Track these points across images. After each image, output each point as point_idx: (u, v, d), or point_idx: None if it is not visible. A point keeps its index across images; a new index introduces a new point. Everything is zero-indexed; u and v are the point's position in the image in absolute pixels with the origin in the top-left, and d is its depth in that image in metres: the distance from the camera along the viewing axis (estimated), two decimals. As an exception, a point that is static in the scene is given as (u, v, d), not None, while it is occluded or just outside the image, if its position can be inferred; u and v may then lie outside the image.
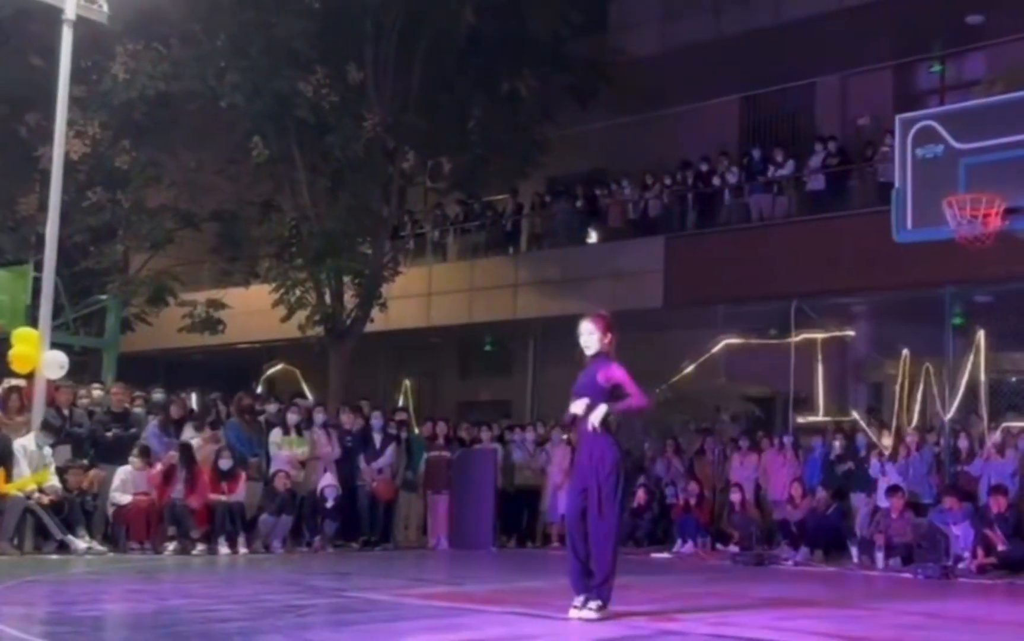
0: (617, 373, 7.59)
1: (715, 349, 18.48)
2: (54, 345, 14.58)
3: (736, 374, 18.70)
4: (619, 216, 22.41)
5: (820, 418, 17.97)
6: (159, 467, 13.58)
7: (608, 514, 7.38)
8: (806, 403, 18.26)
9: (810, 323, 18.00)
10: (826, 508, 15.46)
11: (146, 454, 13.59)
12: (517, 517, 17.52)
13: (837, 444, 16.54)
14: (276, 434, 14.92)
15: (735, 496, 16.41)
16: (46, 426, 13.14)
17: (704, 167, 21.38)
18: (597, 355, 7.70)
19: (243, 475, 14.09)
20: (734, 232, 20.19)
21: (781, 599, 9.87)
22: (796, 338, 17.76)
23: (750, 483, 16.95)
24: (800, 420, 18.03)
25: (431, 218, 24.69)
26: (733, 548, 15.86)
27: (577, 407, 7.59)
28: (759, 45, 21.54)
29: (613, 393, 7.58)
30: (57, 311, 16.00)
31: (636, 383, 7.59)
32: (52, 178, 14.66)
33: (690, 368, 18.65)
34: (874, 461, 15.78)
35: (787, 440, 17.10)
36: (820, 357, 18.06)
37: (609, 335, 7.72)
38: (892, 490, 14.95)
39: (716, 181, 21.04)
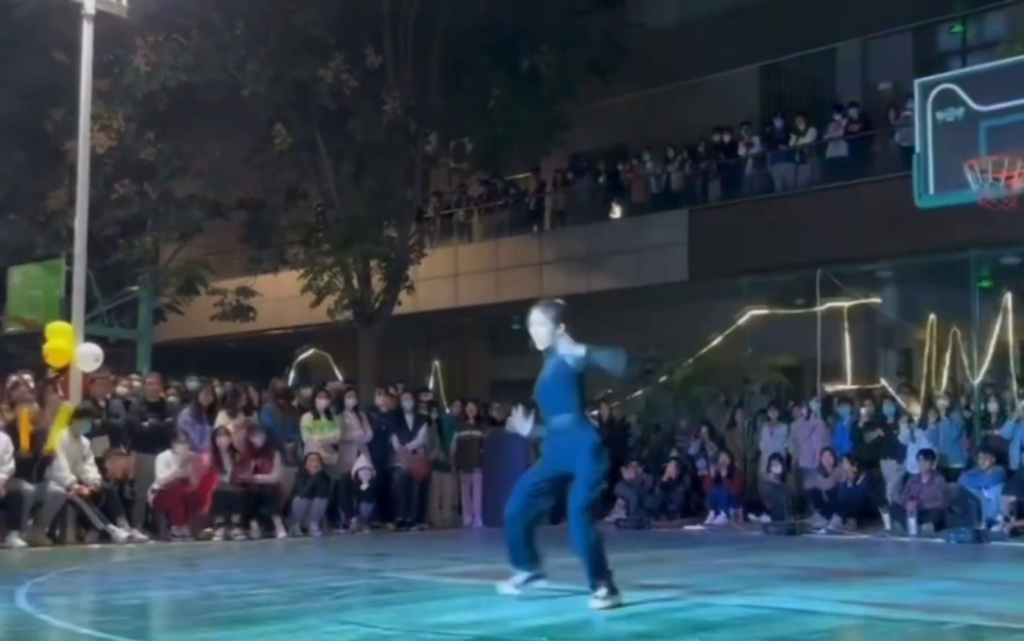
0: (579, 348, 6.91)
1: (741, 320, 18.49)
2: (88, 338, 14.76)
3: (763, 345, 18.69)
4: (642, 190, 22.43)
5: (849, 386, 17.97)
6: (204, 456, 13.78)
7: (583, 496, 6.87)
8: (834, 371, 18.25)
9: (836, 291, 17.98)
10: (855, 477, 15.45)
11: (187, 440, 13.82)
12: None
13: (864, 411, 16.53)
14: (307, 418, 15.09)
15: (776, 467, 16.23)
16: (82, 413, 13.27)
17: (726, 138, 21.34)
18: (549, 349, 7.06)
19: (277, 454, 14.25)
20: (757, 202, 20.19)
21: (813, 568, 9.93)
22: (822, 307, 17.75)
23: (780, 453, 16.95)
24: (828, 389, 18.02)
25: (455, 199, 24.76)
26: (765, 518, 15.90)
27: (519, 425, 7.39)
28: (778, 12, 21.48)
29: (588, 367, 6.97)
30: (90, 304, 16.20)
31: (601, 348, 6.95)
32: (79, 172, 14.81)
33: (717, 340, 18.69)
34: (903, 427, 15.76)
35: (816, 408, 17.06)
36: (847, 325, 18.05)
37: (562, 325, 7.05)
38: (923, 454, 14.92)
39: (741, 150, 20.99)
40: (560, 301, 7.30)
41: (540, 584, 7.22)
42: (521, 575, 7.19)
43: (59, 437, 12.84)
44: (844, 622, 6.67)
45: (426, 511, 16.00)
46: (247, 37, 18.59)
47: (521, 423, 7.48)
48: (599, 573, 6.79)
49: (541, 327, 7.05)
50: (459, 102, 20.22)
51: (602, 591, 6.76)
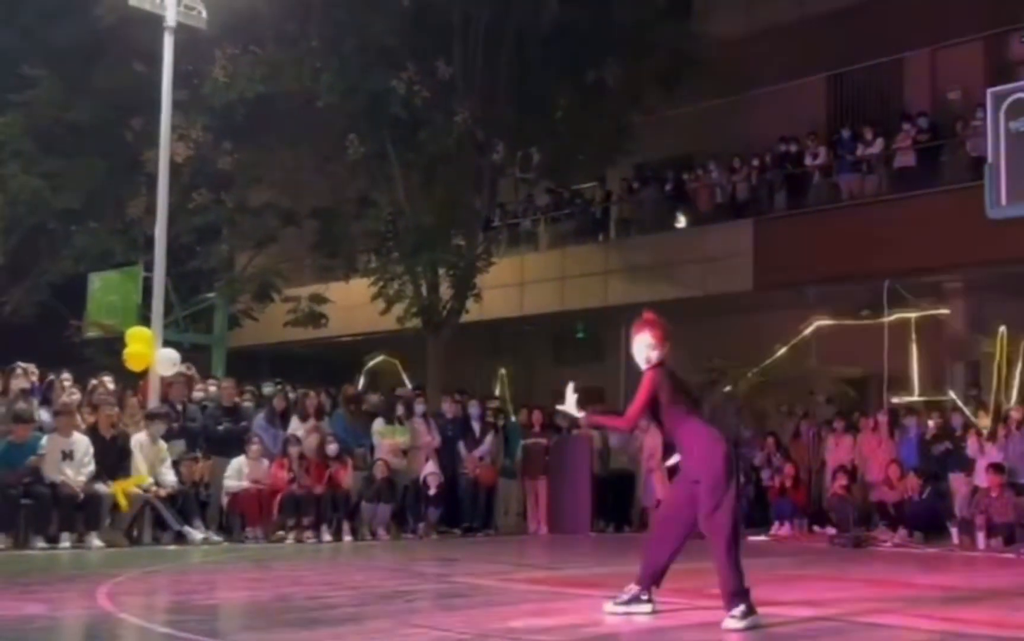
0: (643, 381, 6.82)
1: (807, 331, 18.44)
2: (165, 343, 15.12)
3: (829, 356, 18.61)
4: (707, 200, 22.43)
5: (916, 398, 17.83)
6: (280, 464, 14.08)
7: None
8: (901, 383, 18.13)
9: (903, 302, 17.86)
10: (921, 490, 15.34)
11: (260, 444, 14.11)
12: (614, 502, 17.73)
13: (932, 424, 16.40)
14: (379, 423, 15.34)
15: (841, 479, 16.08)
16: (152, 416, 13.57)
17: (792, 148, 21.29)
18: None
19: (350, 463, 14.53)
20: (823, 213, 20.08)
21: (881, 581, 9.89)
22: (889, 318, 17.65)
23: (847, 465, 16.87)
24: (895, 400, 17.90)
25: (522, 208, 24.94)
26: (830, 530, 15.82)
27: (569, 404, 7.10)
28: (845, 22, 21.37)
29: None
30: (167, 309, 16.53)
31: (640, 398, 6.78)
32: (159, 181, 15.17)
33: (782, 351, 18.65)
34: (972, 441, 15.60)
35: (882, 421, 16.92)
36: (914, 336, 17.93)
37: (667, 344, 6.90)
38: (992, 468, 14.76)
39: (808, 160, 20.92)
40: (652, 317, 7.03)
41: (642, 609, 6.96)
42: (628, 593, 7.00)
43: (137, 440, 13.19)
44: (914, 636, 6.63)
45: (492, 517, 16.19)
46: (322, 49, 18.94)
47: (571, 402, 7.16)
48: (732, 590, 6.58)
49: (652, 351, 6.89)
50: (526, 112, 20.39)
51: (737, 610, 6.52)
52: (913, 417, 16.97)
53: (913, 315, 17.98)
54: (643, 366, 6.93)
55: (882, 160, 20.06)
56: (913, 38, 21.25)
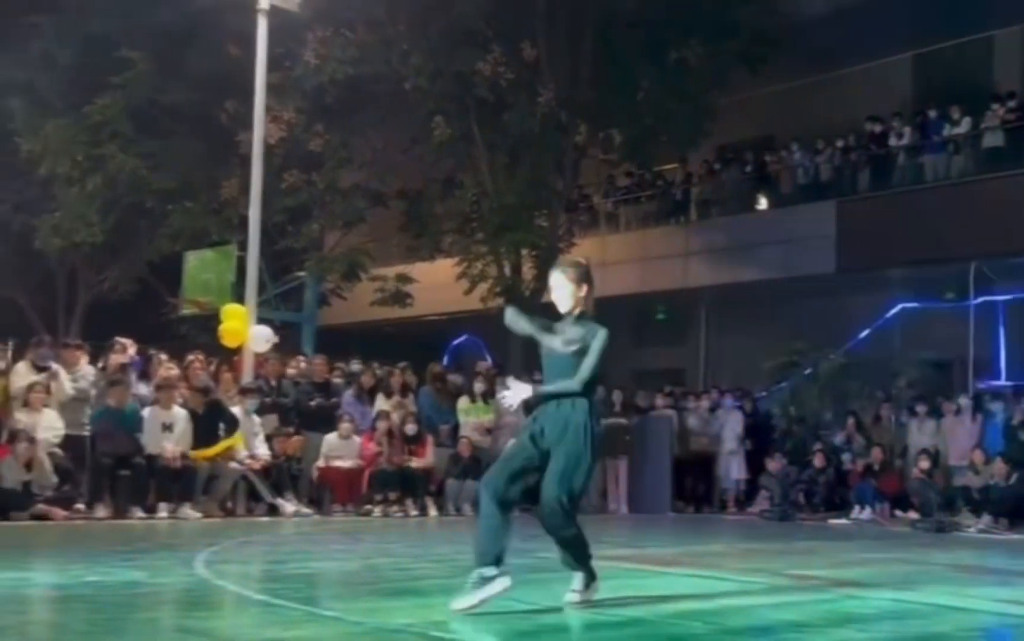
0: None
1: (890, 314, 18.28)
2: (258, 320, 15.56)
3: (913, 339, 18.45)
4: (789, 181, 22.29)
5: (1003, 383, 17.60)
6: (368, 437, 14.45)
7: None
8: (987, 367, 17.90)
9: (991, 285, 17.64)
10: (1008, 476, 15.19)
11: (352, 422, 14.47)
12: (693, 483, 17.81)
13: (1020, 409, 16.20)
14: (463, 402, 15.59)
15: (922, 463, 15.94)
16: (246, 391, 14.00)
17: (877, 128, 21.07)
18: (571, 311, 6.13)
19: (430, 440, 14.83)
20: (908, 193, 19.84)
21: (967, 566, 9.82)
22: (976, 300, 17.45)
23: (929, 449, 16.72)
24: (981, 385, 17.71)
25: (603, 189, 25.00)
26: (912, 515, 15.74)
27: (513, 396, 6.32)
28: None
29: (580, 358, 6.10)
30: (260, 288, 16.92)
31: (598, 358, 6.15)
32: (253, 162, 15.56)
33: (865, 333, 18.51)
34: (1059, 426, 15.41)
35: (965, 404, 16.70)
36: (1002, 319, 17.68)
37: (585, 286, 6.11)
38: (1079, 456, 14.58)
39: (893, 140, 20.68)
40: (582, 260, 6.36)
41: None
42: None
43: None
44: (1003, 621, 6.55)
45: (574, 496, 16.33)
46: (409, 31, 19.17)
47: (518, 391, 6.35)
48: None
49: (563, 289, 6.14)
50: (609, 93, 20.42)
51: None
52: (1000, 402, 16.74)
53: (1000, 298, 17.72)
54: (563, 309, 6.19)
55: (969, 140, 19.77)
56: (1002, 15, 20.86)
